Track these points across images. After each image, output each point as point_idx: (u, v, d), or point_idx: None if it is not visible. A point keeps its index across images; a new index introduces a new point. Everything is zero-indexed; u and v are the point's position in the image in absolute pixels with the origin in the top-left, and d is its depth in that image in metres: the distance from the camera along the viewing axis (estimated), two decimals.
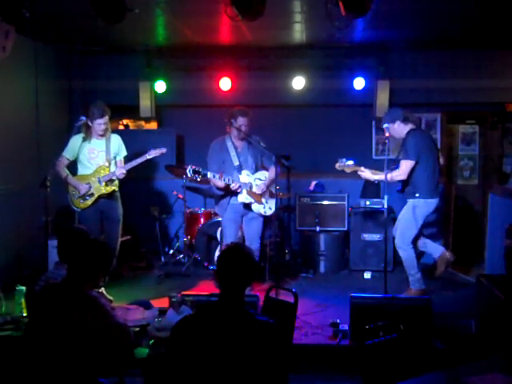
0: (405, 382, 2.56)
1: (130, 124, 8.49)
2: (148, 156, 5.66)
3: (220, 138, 5.51)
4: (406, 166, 5.30)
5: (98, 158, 5.61)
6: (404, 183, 5.45)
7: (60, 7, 5.23)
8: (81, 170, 5.64)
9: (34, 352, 2.69)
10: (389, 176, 5.18)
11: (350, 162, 5.35)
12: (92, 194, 5.55)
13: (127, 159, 5.77)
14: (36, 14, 4.66)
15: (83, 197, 5.53)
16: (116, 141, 5.72)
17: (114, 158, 5.71)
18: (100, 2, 4.40)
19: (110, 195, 5.64)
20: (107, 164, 5.62)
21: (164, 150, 5.74)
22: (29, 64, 5.83)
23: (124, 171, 5.58)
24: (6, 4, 4.44)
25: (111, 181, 5.61)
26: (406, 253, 5.41)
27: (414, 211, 5.37)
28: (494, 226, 5.60)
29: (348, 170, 5.43)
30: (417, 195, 5.35)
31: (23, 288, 4.50)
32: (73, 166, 5.70)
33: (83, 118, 5.47)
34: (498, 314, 3.87)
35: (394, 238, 5.59)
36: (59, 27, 6.11)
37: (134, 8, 4.64)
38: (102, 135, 5.59)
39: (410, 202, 5.41)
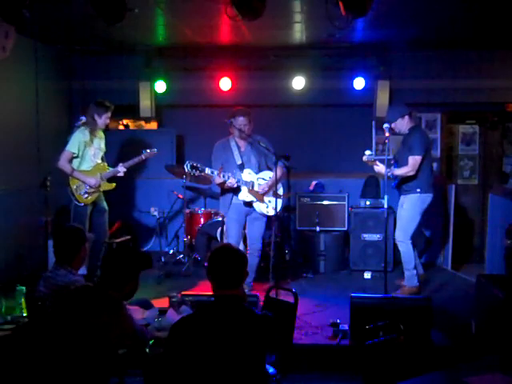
0: (405, 381, 2.57)
1: (130, 124, 8.49)
2: (143, 157, 5.80)
3: (224, 139, 5.51)
4: (414, 161, 5.36)
5: (97, 154, 5.67)
6: (402, 179, 5.50)
7: (60, 7, 5.22)
8: (81, 166, 5.60)
9: (51, 350, 2.67)
10: (400, 172, 5.39)
11: (371, 156, 5.33)
12: (97, 190, 5.61)
13: (122, 159, 5.87)
14: (36, 14, 4.65)
15: (89, 192, 5.55)
16: (104, 137, 5.83)
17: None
18: (100, 2, 4.40)
19: None
20: (102, 160, 5.73)
21: (156, 151, 5.89)
22: (29, 64, 5.82)
23: (125, 169, 5.72)
24: (5, 4, 4.44)
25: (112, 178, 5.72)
26: (406, 247, 5.47)
27: (416, 206, 5.44)
28: (494, 226, 5.62)
29: (370, 164, 5.43)
30: (418, 190, 5.42)
31: (23, 288, 4.50)
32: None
33: (83, 117, 5.49)
34: (498, 314, 3.87)
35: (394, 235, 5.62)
36: (59, 27, 6.11)
37: (133, 8, 4.65)
38: (103, 130, 5.71)
39: (412, 196, 5.45)
